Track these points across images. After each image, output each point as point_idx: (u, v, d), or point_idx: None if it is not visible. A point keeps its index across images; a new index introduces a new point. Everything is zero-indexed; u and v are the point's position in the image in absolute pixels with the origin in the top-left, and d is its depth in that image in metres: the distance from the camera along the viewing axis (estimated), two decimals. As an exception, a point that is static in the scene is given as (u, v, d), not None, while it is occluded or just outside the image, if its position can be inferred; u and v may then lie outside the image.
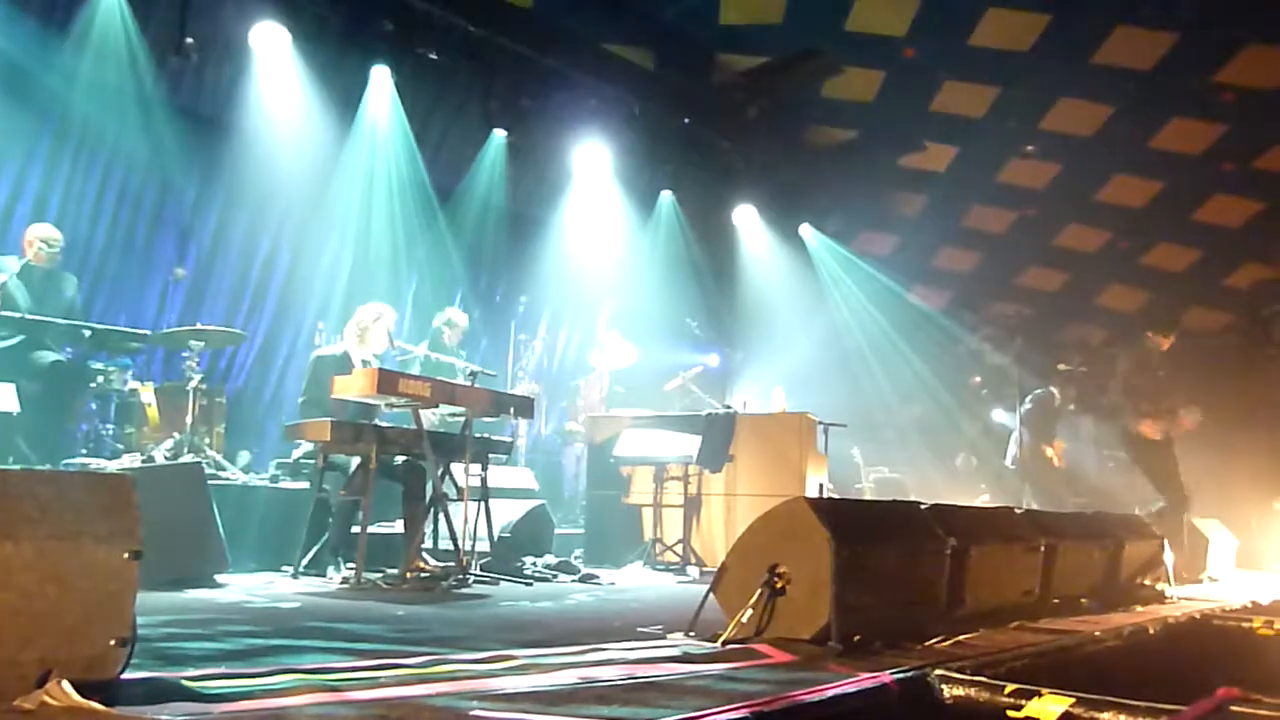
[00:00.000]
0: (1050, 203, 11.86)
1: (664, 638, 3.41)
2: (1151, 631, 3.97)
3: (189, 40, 7.12)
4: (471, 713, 2.11)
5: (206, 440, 6.46)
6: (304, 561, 5.28)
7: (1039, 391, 9.77)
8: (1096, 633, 3.71)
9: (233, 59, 7.74)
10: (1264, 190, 10.67)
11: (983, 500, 10.58)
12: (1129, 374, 6.52)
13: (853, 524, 3.39)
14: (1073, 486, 9.87)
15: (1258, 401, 10.32)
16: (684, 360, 9.68)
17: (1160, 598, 5.33)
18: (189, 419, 6.19)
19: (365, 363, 5.80)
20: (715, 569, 3.62)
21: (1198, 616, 4.55)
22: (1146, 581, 5.41)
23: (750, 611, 3.23)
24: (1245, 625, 4.42)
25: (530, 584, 5.53)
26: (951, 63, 9.79)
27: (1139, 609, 4.83)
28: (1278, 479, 9.08)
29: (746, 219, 11.59)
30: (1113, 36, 9.07)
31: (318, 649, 3.01)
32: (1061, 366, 10.25)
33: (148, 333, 6.76)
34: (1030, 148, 10.99)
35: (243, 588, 4.74)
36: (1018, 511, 4.76)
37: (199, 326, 6.59)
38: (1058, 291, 13.30)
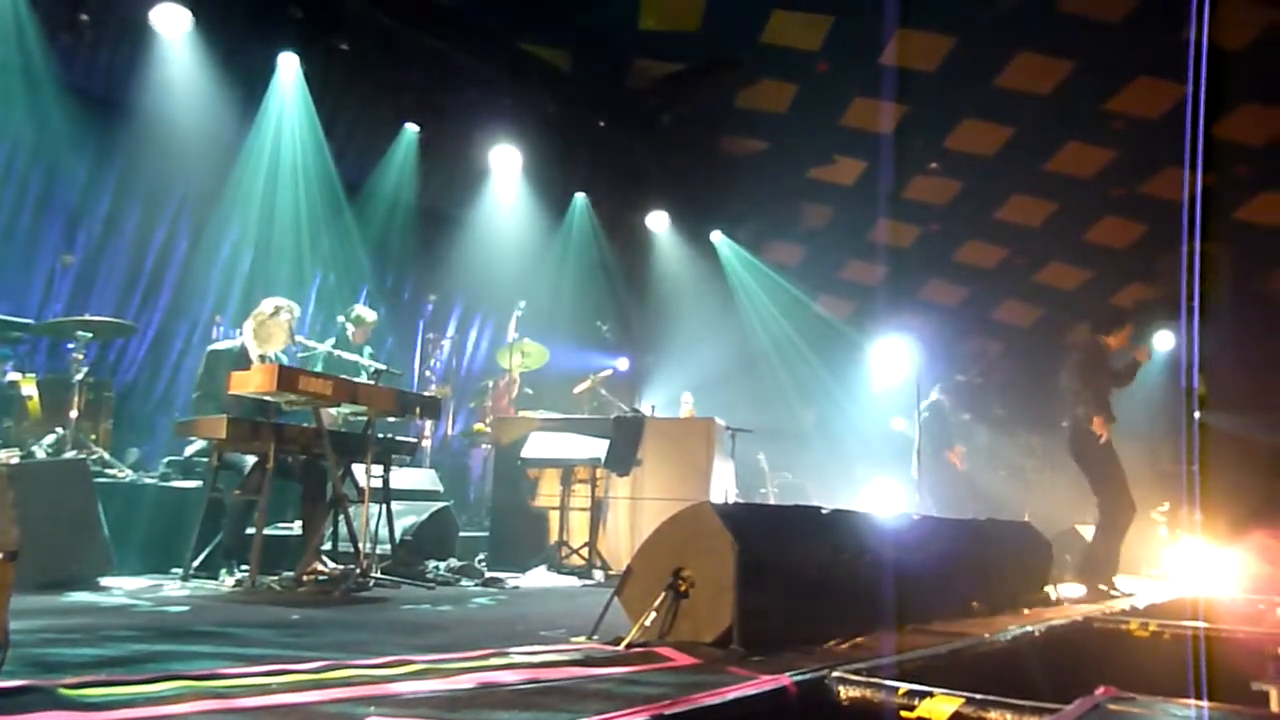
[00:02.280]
0: (952, 219, 12.27)
1: (567, 641, 3.39)
2: (1037, 634, 4.12)
3: (84, 17, 6.80)
4: (367, 719, 2.06)
5: (92, 436, 6.18)
6: (195, 564, 5.09)
7: (932, 400, 10.08)
8: (986, 635, 3.84)
9: (131, 39, 7.41)
10: (1149, 214, 11.24)
11: (883, 504, 10.85)
12: (1082, 375, 6.64)
13: (756, 528, 3.43)
14: (967, 494, 10.20)
15: (1137, 413, 10.85)
16: (594, 363, 9.68)
17: (1046, 601, 5.55)
18: (73, 413, 5.91)
19: (264, 358, 5.63)
20: (620, 572, 3.62)
21: (1079, 619, 4.75)
22: (1034, 586, 5.63)
23: (654, 615, 3.24)
24: (1123, 627, 4.64)
25: (432, 588, 5.44)
26: (862, 80, 10.04)
27: (1026, 612, 5.01)
28: (1153, 488, 9.55)
29: (659, 224, 11.66)
30: (1014, 62, 9.45)
31: (206, 655, 2.90)
32: (960, 377, 10.61)
33: (30, 322, 6.43)
34: (934, 165, 11.35)
35: (128, 591, 4.54)
36: (914, 518, 4.90)
37: (87, 317, 6.29)
38: (958, 305, 13.76)
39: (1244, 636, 4.59)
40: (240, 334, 5.85)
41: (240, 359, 5.53)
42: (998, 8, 8.18)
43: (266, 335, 5.66)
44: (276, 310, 5.71)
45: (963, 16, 8.85)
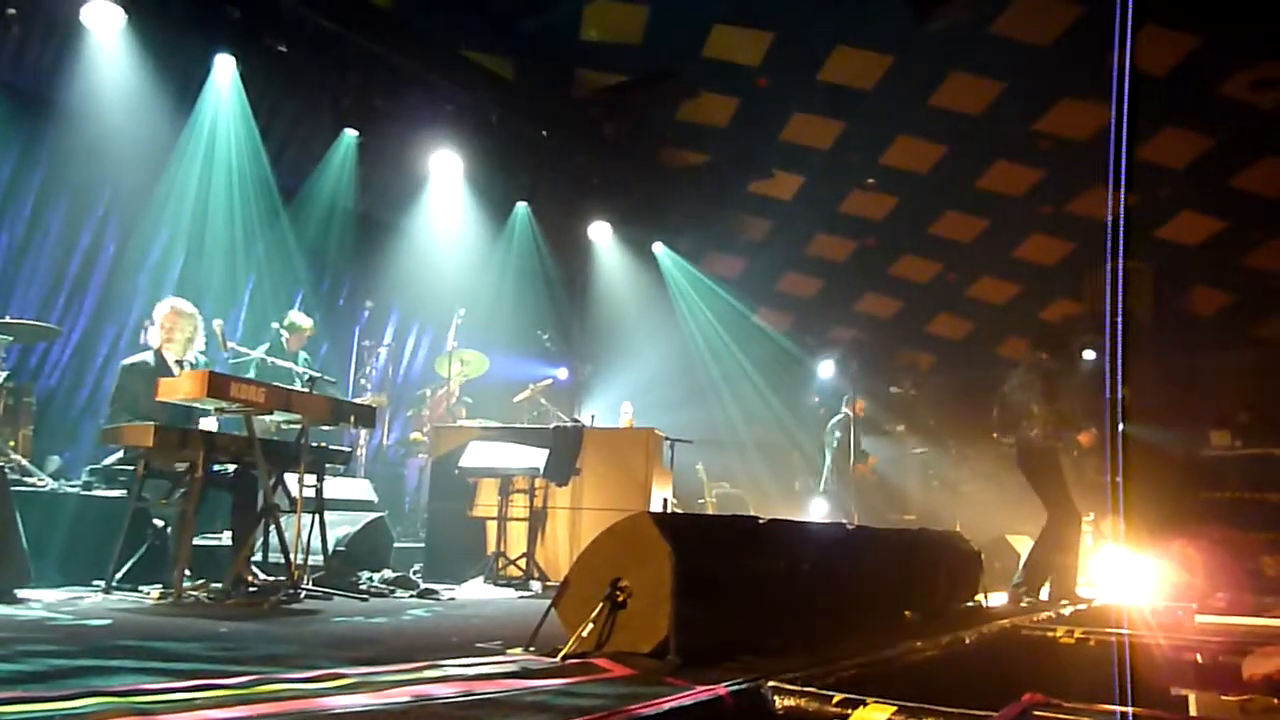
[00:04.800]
0: (887, 234, 12.50)
1: (503, 653, 3.36)
2: (967, 641, 4.21)
3: (11, 10, 6.59)
4: (297, 734, 2.02)
5: (11, 443, 5.97)
6: (118, 575, 4.94)
7: (838, 417, 10.25)
8: (918, 643, 3.91)
9: (61, 34, 7.20)
10: (1076, 232, 11.59)
11: (818, 516, 10.98)
12: (1045, 396, 6.82)
13: (693, 538, 3.45)
14: (897, 504, 10.38)
15: (1066, 425, 11.17)
16: (534, 372, 9.64)
17: (976, 610, 5.67)
18: (-9, 420, 5.71)
19: (181, 364, 5.50)
20: (558, 583, 3.61)
21: (1008, 627, 4.86)
22: (964, 594, 5.75)
23: (591, 626, 3.23)
24: (1050, 635, 4.77)
25: (366, 599, 5.36)
26: (801, 96, 10.19)
27: (957, 620, 5.11)
28: (1079, 499, 9.82)
29: (601, 234, 11.66)
30: (948, 81, 9.68)
31: (129, 669, 2.81)
32: (894, 389, 10.80)
33: (-54, 325, 6.19)
34: (871, 181, 11.55)
35: (47, 604, 4.38)
36: (849, 527, 4.97)
37: (8, 320, 6.09)
38: (891, 318, 14.01)
39: (1164, 643, 4.75)
40: (148, 344, 5.70)
41: (157, 369, 5.40)
42: (932, 25, 8.36)
43: (168, 337, 5.54)
44: (172, 309, 5.60)
45: (899, 36, 9.04)
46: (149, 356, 5.52)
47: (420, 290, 10.13)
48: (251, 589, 4.94)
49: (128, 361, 5.56)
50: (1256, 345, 11.97)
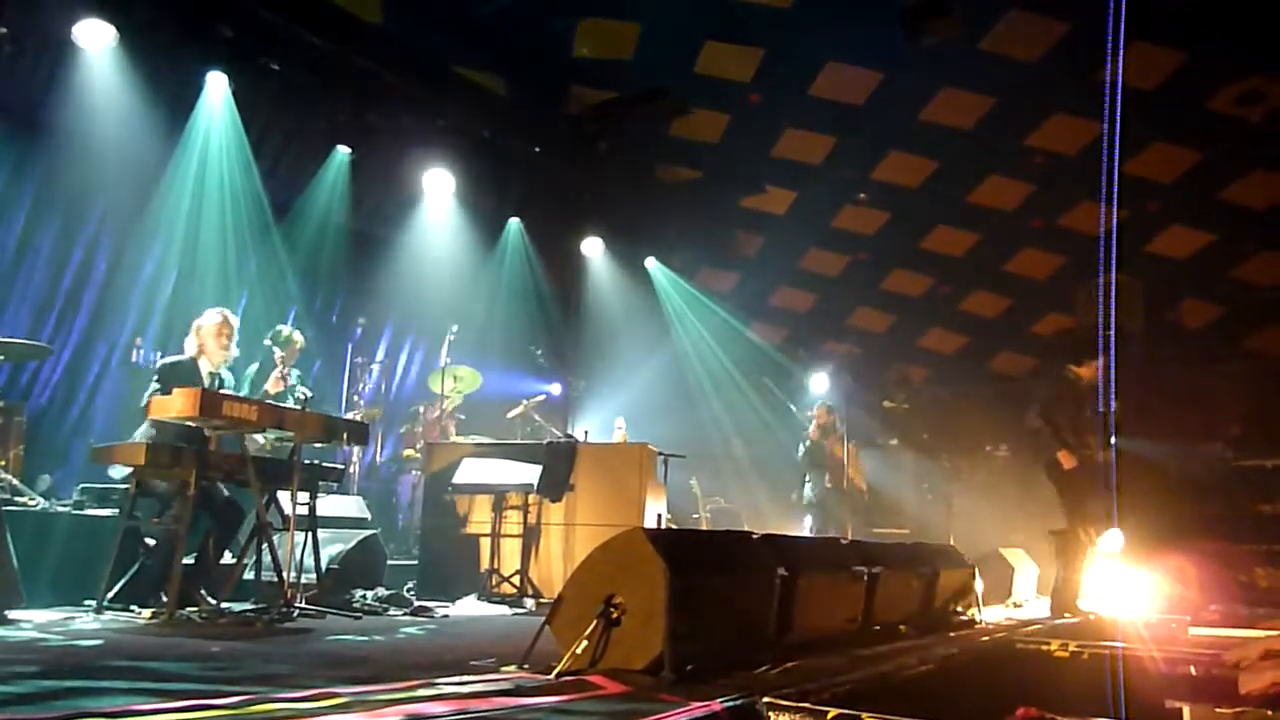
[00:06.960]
0: (879, 249, 12.54)
1: (497, 671, 3.35)
2: (961, 655, 4.20)
3: (2, 30, 6.60)
4: (290, 754, 2.01)
5: (2, 462, 5.94)
6: (109, 595, 4.91)
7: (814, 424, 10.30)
8: (913, 658, 3.90)
9: (52, 53, 7.21)
10: (1066, 246, 11.64)
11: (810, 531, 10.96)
12: (1048, 404, 6.96)
13: (687, 554, 3.45)
14: (891, 517, 10.37)
15: (1062, 439, 11.17)
16: (527, 388, 9.63)
17: (971, 623, 5.66)
18: (-18, 439, 5.68)
19: (213, 375, 5.48)
20: (552, 600, 3.60)
21: (1002, 640, 4.85)
22: (959, 608, 5.75)
23: (585, 643, 3.22)
24: (1044, 648, 4.76)
25: (359, 618, 5.33)
26: (793, 111, 10.24)
27: (952, 634, 5.11)
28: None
29: (593, 250, 11.68)
30: (938, 97, 9.74)
31: (120, 690, 2.79)
32: (887, 403, 10.81)
33: (-64, 344, 6.16)
34: (863, 196, 11.60)
35: (38, 624, 4.36)
36: (843, 542, 4.96)
37: (-2, 338, 6.08)
38: (884, 332, 14.03)
39: (1158, 656, 4.75)
40: (183, 349, 5.66)
41: (195, 374, 5.36)
42: (922, 41, 8.41)
43: (224, 345, 5.50)
44: (225, 317, 5.55)
45: (889, 52, 9.10)
46: (184, 358, 5.48)
47: (413, 307, 10.13)
48: (197, 609, 4.87)
49: (167, 360, 5.51)
50: (1247, 358, 12.01)
